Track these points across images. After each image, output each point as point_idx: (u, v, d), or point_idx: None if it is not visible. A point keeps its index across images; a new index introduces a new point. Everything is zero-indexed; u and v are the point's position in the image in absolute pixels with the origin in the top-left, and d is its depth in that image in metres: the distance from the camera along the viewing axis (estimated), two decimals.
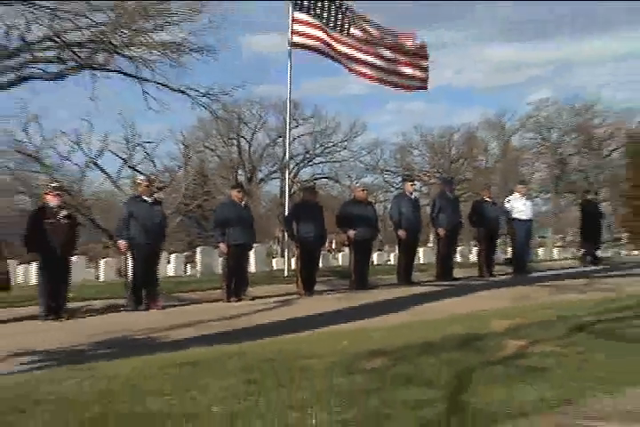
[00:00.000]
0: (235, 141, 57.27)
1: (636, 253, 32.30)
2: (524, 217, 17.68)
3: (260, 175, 57.78)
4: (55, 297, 11.99)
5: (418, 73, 18.34)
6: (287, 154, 24.37)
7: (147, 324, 10.45)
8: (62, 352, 8.25)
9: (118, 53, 25.53)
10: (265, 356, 6.45)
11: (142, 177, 19.50)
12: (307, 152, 57.49)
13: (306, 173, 57.16)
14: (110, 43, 24.96)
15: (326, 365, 5.95)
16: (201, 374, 5.78)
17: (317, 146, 58.64)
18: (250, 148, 57.67)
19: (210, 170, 56.84)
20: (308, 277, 14.29)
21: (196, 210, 48.63)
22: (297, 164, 54.54)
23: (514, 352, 6.36)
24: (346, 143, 59.82)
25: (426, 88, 18.71)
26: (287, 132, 22.18)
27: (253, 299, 13.20)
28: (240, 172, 56.09)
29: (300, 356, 6.40)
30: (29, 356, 7.93)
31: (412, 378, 5.43)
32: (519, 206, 17.68)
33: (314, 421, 4.37)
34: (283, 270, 17.86)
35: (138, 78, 26.33)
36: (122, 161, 49.46)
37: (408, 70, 18.17)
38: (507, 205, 17.79)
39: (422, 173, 53.45)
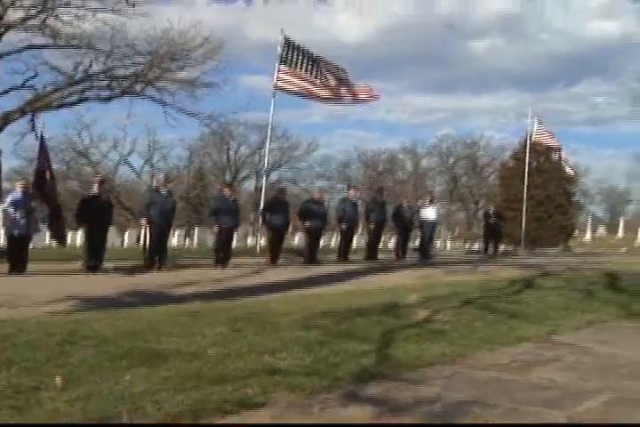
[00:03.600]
0: (225, 150, 56.83)
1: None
2: (430, 219, 17.80)
3: (241, 176, 57.47)
4: (95, 257, 11.84)
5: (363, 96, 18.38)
6: (267, 163, 24.49)
7: (158, 281, 10.31)
8: (98, 299, 8.11)
9: (150, 85, 25.29)
10: (247, 311, 6.42)
11: (161, 175, 19.25)
12: (275, 162, 57.08)
13: (274, 176, 56.80)
14: (145, 77, 24.73)
15: (291, 321, 5.94)
16: (201, 322, 5.74)
17: (284, 157, 58.53)
18: (235, 156, 57.37)
19: (206, 170, 56.61)
20: (274, 252, 14.25)
21: (194, 198, 48.31)
22: (268, 169, 54.29)
23: (423, 318, 6.40)
24: (304, 156, 59.91)
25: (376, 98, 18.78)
26: (266, 147, 22.30)
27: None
28: (227, 172, 55.79)
29: (272, 313, 6.37)
30: (76, 300, 7.78)
31: (352, 334, 5.44)
32: (427, 212, 17.80)
33: (282, 363, 4.36)
34: (255, 247, 17.73)
35: (162, 103, 26.12)
36: (144, 160, 49.33)
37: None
38: (421, 211, 17.91)
39: (358, 183, 53.28)
